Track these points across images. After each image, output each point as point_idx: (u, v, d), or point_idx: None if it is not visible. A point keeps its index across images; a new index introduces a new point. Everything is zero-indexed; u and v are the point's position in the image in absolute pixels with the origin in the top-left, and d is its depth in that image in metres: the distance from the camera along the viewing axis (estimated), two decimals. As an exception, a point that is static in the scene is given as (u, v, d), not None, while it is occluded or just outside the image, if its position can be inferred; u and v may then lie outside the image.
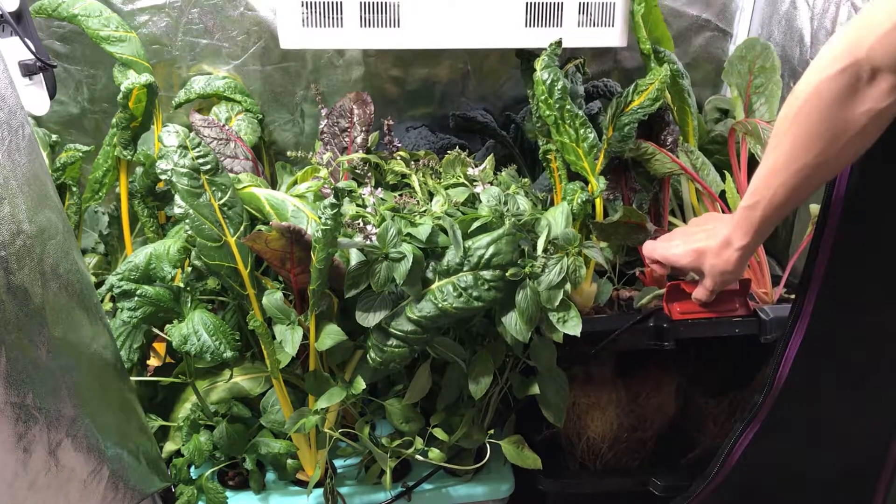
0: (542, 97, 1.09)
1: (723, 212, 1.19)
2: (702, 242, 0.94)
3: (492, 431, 1.08)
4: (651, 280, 1.17)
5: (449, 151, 1.12)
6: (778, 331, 1.03)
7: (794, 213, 1.34)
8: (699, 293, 1.00)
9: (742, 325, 1.07)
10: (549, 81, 1.08)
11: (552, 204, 1.20)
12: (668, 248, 0.99)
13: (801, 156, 0.77)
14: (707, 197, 1.22)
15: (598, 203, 1.14)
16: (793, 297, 0.95)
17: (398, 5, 1.11)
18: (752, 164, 1.18)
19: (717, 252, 0.92)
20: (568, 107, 1.08)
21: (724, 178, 1.22)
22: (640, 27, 1.17)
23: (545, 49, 1.10)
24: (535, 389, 1.05)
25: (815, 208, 1.19)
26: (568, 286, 0.97)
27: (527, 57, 1.22)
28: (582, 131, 1.08)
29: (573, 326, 0.97)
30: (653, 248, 1.02)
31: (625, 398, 1.19)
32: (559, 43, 1.11)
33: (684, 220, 1.28)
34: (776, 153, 0.79)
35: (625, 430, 1.20)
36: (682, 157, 1.20)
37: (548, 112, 1.09)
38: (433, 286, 0.95)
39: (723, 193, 1.21)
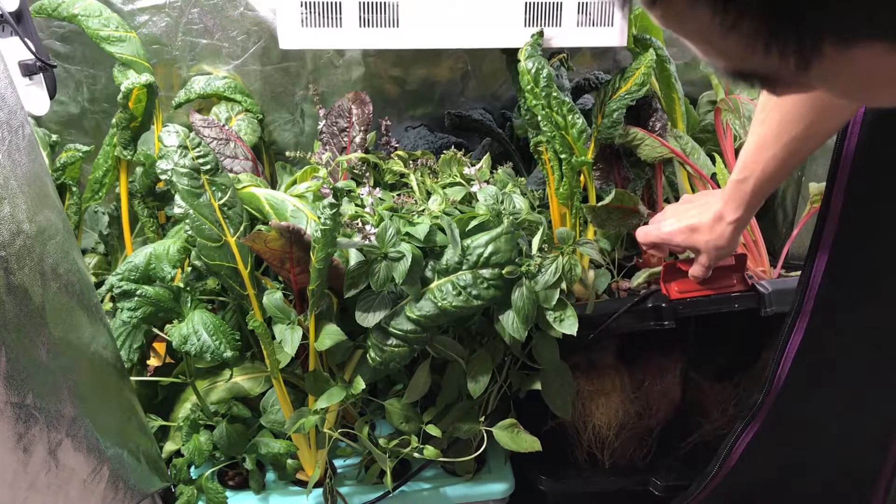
0: (528, 87, 1.09)
1: None
2: (695, 219, 0.94)
3: (482, 419, 1.07)
4: (649, 267, 1.17)
5: (445, 151, 1.12)
6: (778, 304, 1.02)
7: (795, 203, 1.34)
8: (695, 270, 1.00)
9: (741, 300, 1.06)
10: (533, 70, 1.08)
11: (546, 198, 1.20)
12: (661, 227, 0.99)
13: (790, 128, 0.78)
14: (699, 181, 1.22)
15: (591, 191, 1.13)
16: (791, 275, 0.95)
17: (397, 5, 1.11)
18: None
19: (710, 227, 0.92)
20: (554, 94, 1.08)
21: (714, 163, 1.23)
22: (630, 24, 1.18)
23: (544, 50, 1.10)
24: (537, 385, 1.05)
25: (814, 187, 1.19)
26: (564, 285, 0.97)
27: (513, 53, 1.22)
28: (570, 117, 1.08)
29: (569, 325, 0.97)
30: (646, 232, 1.02)
31: (629, 384, 1.19)
32: (541, 33, 1.11)
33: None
34: (764, 127, 0.80)
35: (631, 417, 1.20)
36: (672, 142, 1.21)
37: (534, 101, 1.09)
38: (432, 285, 0.95)
39: (714, 176, 1.22)
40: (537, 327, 1.01)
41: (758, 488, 1.08)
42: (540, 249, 0.99)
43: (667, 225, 0.99)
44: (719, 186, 1.20)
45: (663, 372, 1.20)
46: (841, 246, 0.88)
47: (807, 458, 1.05)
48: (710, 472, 1.06)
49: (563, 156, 1.11)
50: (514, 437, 1.04)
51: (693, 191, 1.26)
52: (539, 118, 1.10)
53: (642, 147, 1.17)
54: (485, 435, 1.06)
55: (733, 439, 1.03)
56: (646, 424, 1.21)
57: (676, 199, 1.30)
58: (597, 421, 1.18)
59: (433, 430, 1.03)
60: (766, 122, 0.79)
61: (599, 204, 1.09)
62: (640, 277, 1.12)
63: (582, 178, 1.12)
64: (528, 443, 1.04)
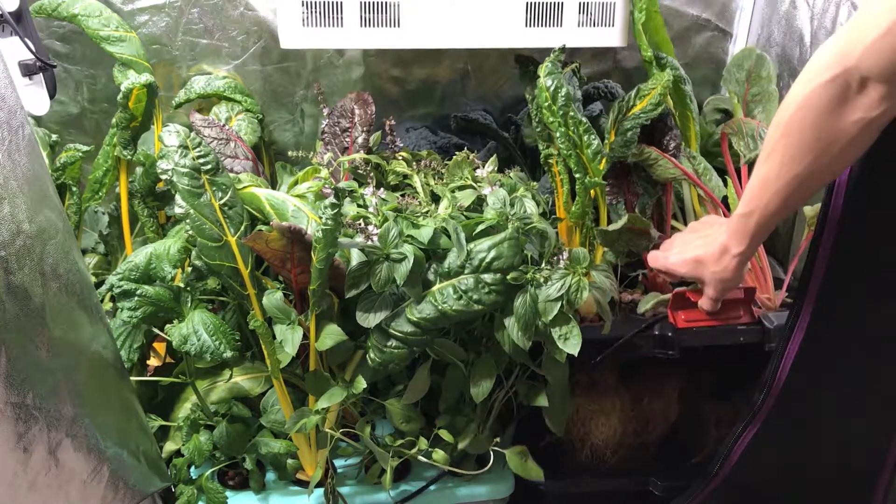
0: (546, 104, 1.08)
1: (724, 216, 1.18)
2: (700, 250, 0.94)
3: (498, 440, 1.08)
4: (655, 285, 1.16)
5: (457, 153, 1.12)
6: None
7: (795, 213, 1.34)
8: (704, 304, 1.00)
9: (746, 334, 1.07)
10: (552, 88, 1.07)
11: (554, 206, 1.20)
12: (668, 256, 0.99)
13: (793, 165, 0.77)
14: (709, 202, 1.21)
15: (602, 211, 1.12)
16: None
17: (398, 5, 1.11)
18: (753, 167, 1.18)
19: (715, 259, 0.91)
20: (571, 113, 1.07)
21: (726, 183, 1.22)
22: (641, 35, 1.17)
23: (545, 50, 1.10)
24: (544, 401, 1.05)
25: (808, 210, 1.19)
26: (565, 304, 0.96)
27: (524, 61, 1.22)
28: (586, 138, 1.08)
29: (573, 345, 0.96)
30: (655, 257, 1.02)
31: (628, 403, 1.19)
32: (563, 49, 1.11)
33: (686, 224, 1.27)
34: (769, 162, 0.79)
35: (628, 435, 1.20)
36: (685, 162, 1.20)
37: (551, 118, 1.08)
38: (434, 288, 0.95)
39: (725, 199, 1.21)
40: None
41: (758, 488, 1.08)
42: (549, 262, 0.98)
43: (673, 255, 0.98)
44: (729, 208, 1.19)
45: (662, 392, 1.20)
46: (841, 248, 0.88)
47: (807, 458, 1.05)
48: (711, 472, 1.07)
49: (577, 175, 1.10)
50: (523, 465, 1.08)
51: (702, 209, 1.25)
52: (556, 136, 1.10)
53: (656, 167, 1.16)
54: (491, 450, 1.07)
55: (733, 439, 1.03)
56: (642, 441, 1.22)
57: (683, 211, 1.29)
58: (595, 439, 1.19)
59: (446, 436, 1.03)
60: (770, 156, 0.79)
61: (611, 228, 1.09)
62: (648, 304, 1.12)
63: (592, 192, 1.11)
64: (535, 472, 1.08)
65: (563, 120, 1.08)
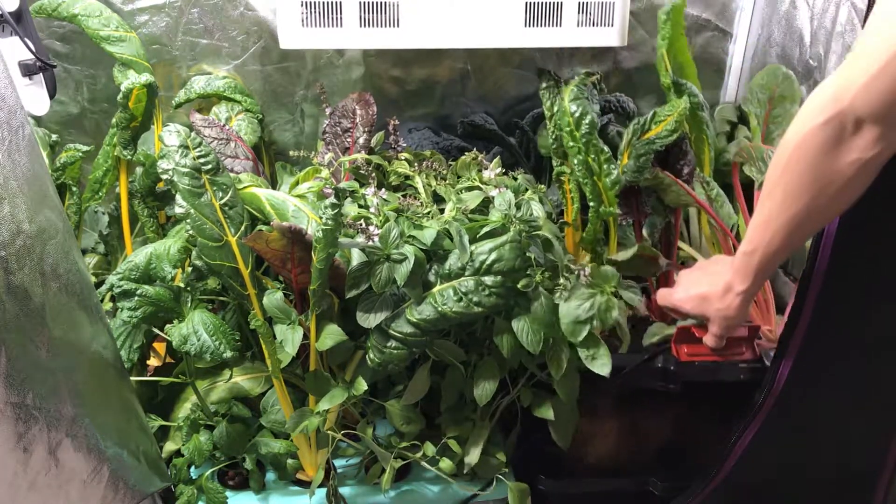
0: (568, 129, 1.08)
1: (734, 245, 1.18)
2: (705, 288, 0.94)
3: (507, 470, 1.09)
4: (657, 307, 1.16)
5: (465, 153, 1.11)
6: None
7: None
8: (708, 340, 1.00)
9: (747, 371, 1.07)
10: (577, 114, 1.07)
11: (561, 217, 1.20)
12: (674, 293, 0.99)
13: (792, 205, 0.77)
14: (719, 231, 1.20)
15: (613, 239, 1.14)
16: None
17: (398, 5, 1.11)
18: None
19: (719, 297, 0.92)
20: (594, 142, 1.07)
21: (737, 213, 1.21)
22: (664, 61, 1.16)
23: (544, 50, 1.10)
24: (549, 414, 1.05)
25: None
26: (596, 322, 0.96)
27: (546, 75, 1.22)
28: (606, 167, 1.07)
29: (602, 366, 0.95)
30: (663, 296, 1.02)
31: (627, 425, 1.19)
32: (588, 73, 1.11)
33: (690, 244, 1.27)
34: (770, 202, 0.79)
35: (625, 453, 1.20)
36: (698, 188, 1.19)
37: (571, 143, 1.08)
38: (434, 289, 0.94)
39: (734, 227, 1.20)
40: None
41: (758, 488, 1.08)
42: (563, 275, 0.98)
43: (679, 292, 0.98)
44: (738, 237, 1.19)
45: (662, 413, 1.20)
46: (840, 249, 0.88)
47: (806, 458, 1.05)
48: (711, 472, 1.06)
49: (591, 203, 1.10)
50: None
51: (710, 234, 1.25)
52: (573, 162, 1.09)
53: (669, 192, 1.16)
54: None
55: (734, 439, 1.03)
56: (638, 454, 1.22)
57: (688, 225, 1.29)
58: (591, 459, 1.19)
59: (454, 446, 1.03)
60: (770, 196, 0.79)
61: (620, 257, 1.08)
62: (653, 337, 1.12)
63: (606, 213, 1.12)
64: None
65: (584, 147, 1.07)
